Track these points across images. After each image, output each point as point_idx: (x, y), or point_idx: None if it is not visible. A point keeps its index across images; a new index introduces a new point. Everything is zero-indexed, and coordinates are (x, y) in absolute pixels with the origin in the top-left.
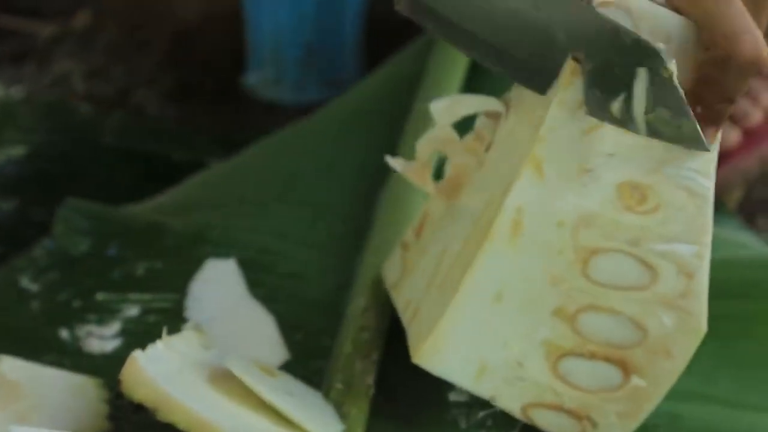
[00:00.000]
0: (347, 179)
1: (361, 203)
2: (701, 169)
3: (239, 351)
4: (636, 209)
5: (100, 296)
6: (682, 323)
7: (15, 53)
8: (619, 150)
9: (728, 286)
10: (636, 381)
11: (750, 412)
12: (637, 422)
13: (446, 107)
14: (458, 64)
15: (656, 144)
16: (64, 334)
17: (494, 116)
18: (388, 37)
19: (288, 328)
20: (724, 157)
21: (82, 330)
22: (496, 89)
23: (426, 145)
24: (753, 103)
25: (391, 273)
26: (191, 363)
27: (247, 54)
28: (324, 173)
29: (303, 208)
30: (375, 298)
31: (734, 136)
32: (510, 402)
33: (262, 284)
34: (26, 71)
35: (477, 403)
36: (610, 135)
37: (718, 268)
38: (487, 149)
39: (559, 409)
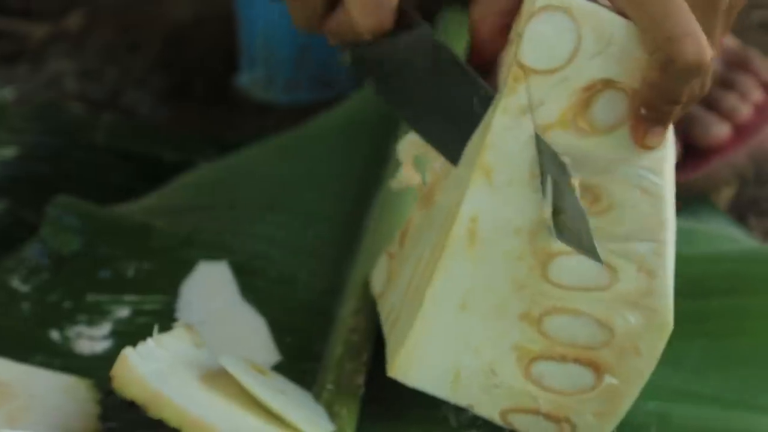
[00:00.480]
0: (338, 186)
1: (351, 210)
2: (653, 168)
3: (231, 353)
4: (590, 210)
5: (90, 297)
6: (648, 321)
7: (7, 54)
8: (570, 152)
9: (717, 281)
10: (609, 380)
11: (740, 411)
12: (615, 419)
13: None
14: None
15: (605, 144)
16: (54, 335)
17: None
18: None
19: (279, 332)
20: (714, 151)
21: (73, 331)
22: None
23: (407, 148)
24: (742, 98)
25: (377, 282)
26: (183, 361)
27: (239, 55)
28: (315, 180)
29: (293, 215)
30: (365, 300)
31: (724, 130)
32: (488, 409)
33: (253, 288)
34: (19, 72)
35: None
36: (558, 138)
37: (706, 262)
38: None
39: (537, 412)
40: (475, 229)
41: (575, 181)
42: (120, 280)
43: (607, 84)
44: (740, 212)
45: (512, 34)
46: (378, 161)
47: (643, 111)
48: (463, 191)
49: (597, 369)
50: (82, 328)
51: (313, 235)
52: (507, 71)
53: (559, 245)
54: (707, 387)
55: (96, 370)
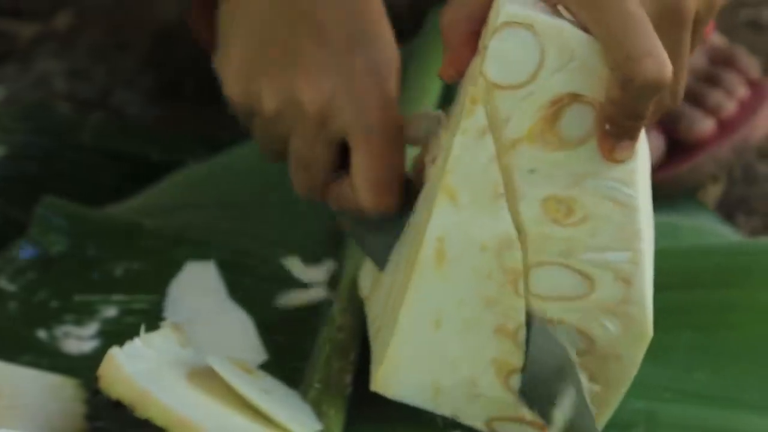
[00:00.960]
0: None
1: None
2: (624, 179)
3: (218, 352)
4: (563, 222)
5: (78, 297)
6: (626, 328)
7: None
8: (539, 166)
9: (704, 275)
10: (591, 387)
11: (727, 409)
12: (600, 423)
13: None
14: (436, 77)
15: (575, 158)
16: (41, 334)
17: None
18: None
19: (267, 330)
20: (698, 146)
21: (60, 330)
22: None
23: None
24: (727, 94)
25: (364, 285)
26: (170, 360)
27: None
28: None
29: (281, 210)
30: (352, 299)
31: (709, 126)
32: (473, 418)
33: (241, 286)
34: (7, 72)
35: None
36: (527, 152)
37: (692, 255)
38: (433, 162)
39: (521, 420)
40: (443, 249)
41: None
42: (108, 280)
43: (574, 98)
44: (728, 211)
45: (479, 46)
46: None
47: (607, 127)
48: (430, 212)
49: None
50: (69, 328)
51: (302, 230)
52: (464, 92)
53: (528, 259)
54: (695, 384)
55: (83, 369)
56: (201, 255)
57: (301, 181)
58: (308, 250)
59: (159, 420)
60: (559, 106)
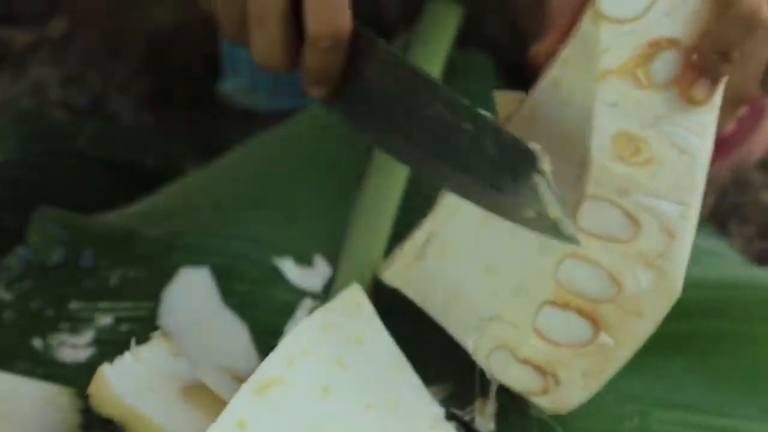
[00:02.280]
0: (321, 182)
1: (335, 206)
2: (696, 129)
3: (212, 360)
4: (628, 160)
5: (73, 305)
6: (657, 283)
7: None
8: (621, 101)
9: (698, 307)
10: (604, 338)
11: (720, 418)
12: (598, 384)
13: None
14: (434, 68)
15: (657, 99)
16: (37, 343)
17: None
18: None
19: (262, 334)
20: None
21: (55, 339)
22: (471, 91)
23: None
24: None
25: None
26: (161, 374)
27: (222, 61)
28: (298, 177)
29: (277, 213)
30: None
31: None
32: (472, 339)
33: (236, 291)
34: (1, 78)
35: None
36: (614, 85)
37: (688, 287)
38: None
39: (525, 361)
40: None
41: (546, 167)
42: (103, 288)
43: (672, 43)
44: (721, 219)
45: None
46: (361, 158)
47: (693, 57)
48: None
49: (596, 324)
50: (64, 336)
51: (296, 233)
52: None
53: (591, 189)
54: (688, 397)
55: (78, 378)
56: (196, 260)
57: (258, 41)
58: (302, 254)
59: None
60: (656, 48)
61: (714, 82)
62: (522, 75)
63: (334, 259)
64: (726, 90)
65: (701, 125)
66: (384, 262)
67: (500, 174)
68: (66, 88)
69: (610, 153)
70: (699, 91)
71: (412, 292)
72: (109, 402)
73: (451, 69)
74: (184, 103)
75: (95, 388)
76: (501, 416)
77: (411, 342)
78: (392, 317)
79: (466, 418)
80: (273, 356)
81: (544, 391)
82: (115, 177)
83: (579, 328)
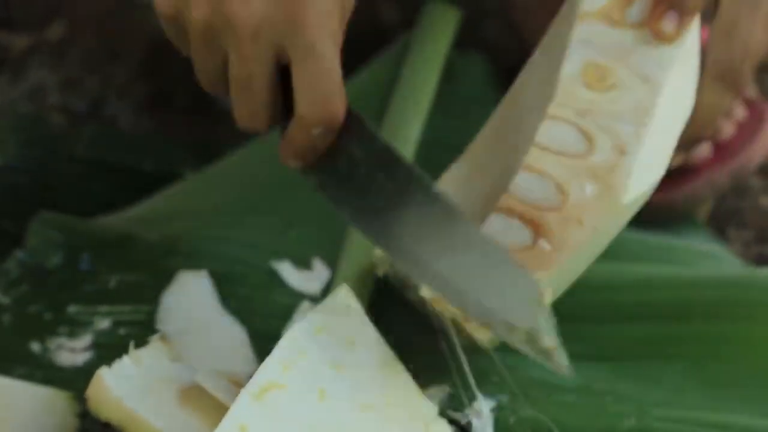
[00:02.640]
0: None
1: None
2: (661, 61)
3: (211, 364)
4: (594, 86)
5: (71, 309)
6: (601, 195)
7: None
8: (594, 38)
9: (696, 307)
10: (543, 244)
11: (719, 416)
12: (552, 289)
13: None
14: (432, 71)
15: (628, 36)
16: (35, 346)
17: None
18: (361, 49)
19: (261, 338)
20: (694, 170)
21: (54, 343)
22: (469, 97)
23: None
24: (725, 116)
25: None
26: (159, 378)
27: None
28: (296, 180)
29: (275, 216)
30: None
31: (705, 150)
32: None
33: (235, 296)
34: (0, 83)
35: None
36: (591, 25)
37: (687, 288)
38: None
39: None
40: None
41: (547, 299)
42: (101, 292)
43: None
44: (720, 224)
45: None
46: None
47: None
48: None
49: (537, 230)
50: (62, 340)
51: (295, 236)
52: None
53: (554, 110)
54: (686, 398)
55: (76, 382)
56: (194, 265)
57: (241, 104)
58: (301, 257)
59: None
60: None
61: (683, 15)
62: None
63: (332, 263)
64: (715, 64)
65: (666, 57)
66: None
67: (493, 291)
68: (65, 93)
69: (578, 79)
70: (667, 24)
71: None
72: (107, 405)
73: (449, 71)
74: (184, 107)
75: (93, 391)
76: (499, 418)
77: (410, 344)
78: (392, 319)
79: (464, 421)
80: (269, 361)
81: None
82: (114, 181)
83: (521, 234)
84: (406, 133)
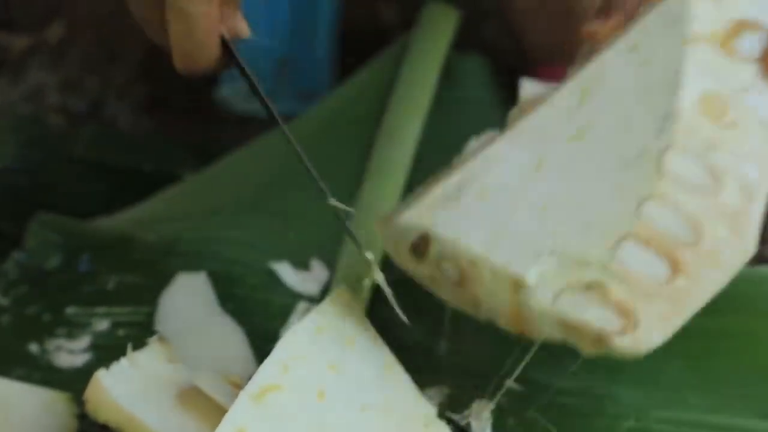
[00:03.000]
0: (319, 186)
1: (331, 211)
2: None
3: (209, 365)
4: (714, 120)
5: (70, 310)
6: (734, 240)
7: None
8: (710, 65)
9: None
10: (682, 281)
11: (719, 416)
12: (674, 327)
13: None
14: (431, 71)
15: (743, 71)
16: (33, 348)
17: None
18: (361, 49)
19: (259, 340)
20: None
21: (52, 344)
22: (468, 97)
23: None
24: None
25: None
26: (157, 380)
27: None
28: (294, 181)
29: (273, 217)
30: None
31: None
32: (538, 273)
33: (233, 297)
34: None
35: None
36: (705, 51)
37: None
38: None
39: (605, 300)
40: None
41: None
42: (100, 293)
43: (759, 26)
44: None
45: None
46: (358, 162)
47: None
48: None
49: (675, 266)
50: (61, 341)
51: (293, 237)
52: None
53: (681, 140)
54: (686, 397)
55: (75, 383)
56: (192, 266)
57: (181, 38)
58: (299, 258)
59: None
60: (744, 26)
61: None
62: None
63: (331, 263)
64: None
65: None
66: (396, 210)
67: None
68: (64, 94)
69: (697, 111)
70: None
71: (442, 229)
72: (106, 407)
73: (448, 71)
74: (182, 108)
75: (91, 393)
76: (498, 420)
77: (409, 344)
78: (391, 319)
79: (462, 422)
80: (268, 362)
81: (623, 332)
82: (113, 182)
83: (658, 267)
84: (405, 133)
